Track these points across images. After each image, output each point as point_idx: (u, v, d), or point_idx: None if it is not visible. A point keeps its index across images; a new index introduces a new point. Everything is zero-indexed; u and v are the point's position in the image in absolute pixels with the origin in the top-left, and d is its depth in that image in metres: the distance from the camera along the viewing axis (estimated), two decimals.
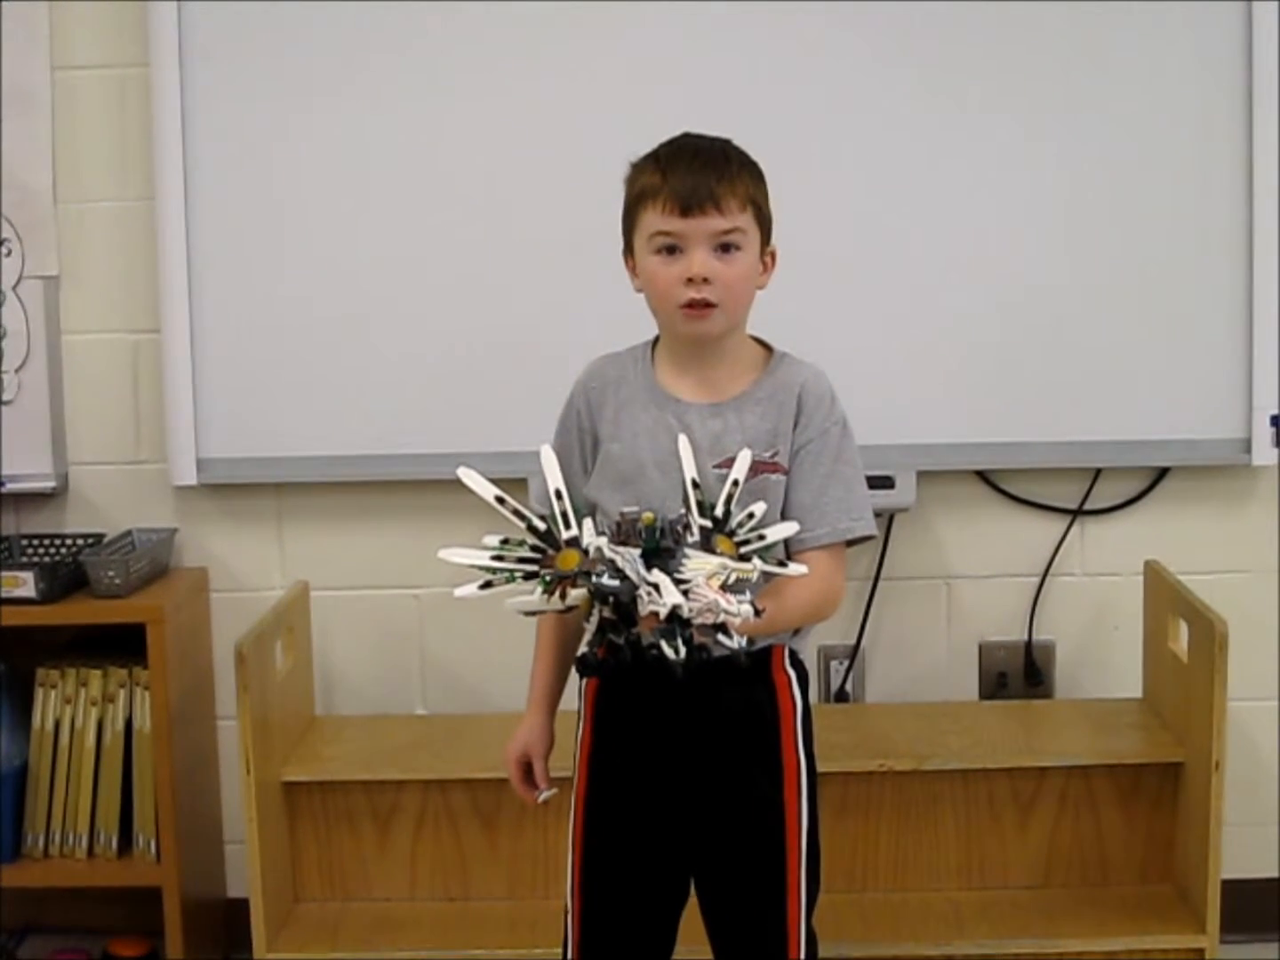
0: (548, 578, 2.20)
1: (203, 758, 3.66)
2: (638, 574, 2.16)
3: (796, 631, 2.59)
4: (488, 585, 2.21)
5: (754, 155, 2.53)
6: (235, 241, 3.54)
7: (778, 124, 3.37)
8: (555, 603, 2.19)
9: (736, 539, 2.26)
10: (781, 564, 2.31)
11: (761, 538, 2.27)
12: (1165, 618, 3.42)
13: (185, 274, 3.52)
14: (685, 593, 2.14)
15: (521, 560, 2.22)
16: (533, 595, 2.20)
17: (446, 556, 2.24)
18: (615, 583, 2.15)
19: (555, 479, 2.29)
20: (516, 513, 2.26)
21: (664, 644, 2.13)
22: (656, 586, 2.14)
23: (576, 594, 2.18)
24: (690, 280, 2.44)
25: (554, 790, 2.67)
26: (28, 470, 3.62)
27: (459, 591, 2.20)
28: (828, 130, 3.48)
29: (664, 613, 2.12)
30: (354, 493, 3.64)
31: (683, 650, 2.13)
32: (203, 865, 3.63)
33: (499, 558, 2.22)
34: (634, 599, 2.15)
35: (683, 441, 2.37)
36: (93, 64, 3.57)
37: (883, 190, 3.49)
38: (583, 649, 2.29)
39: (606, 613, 2.18)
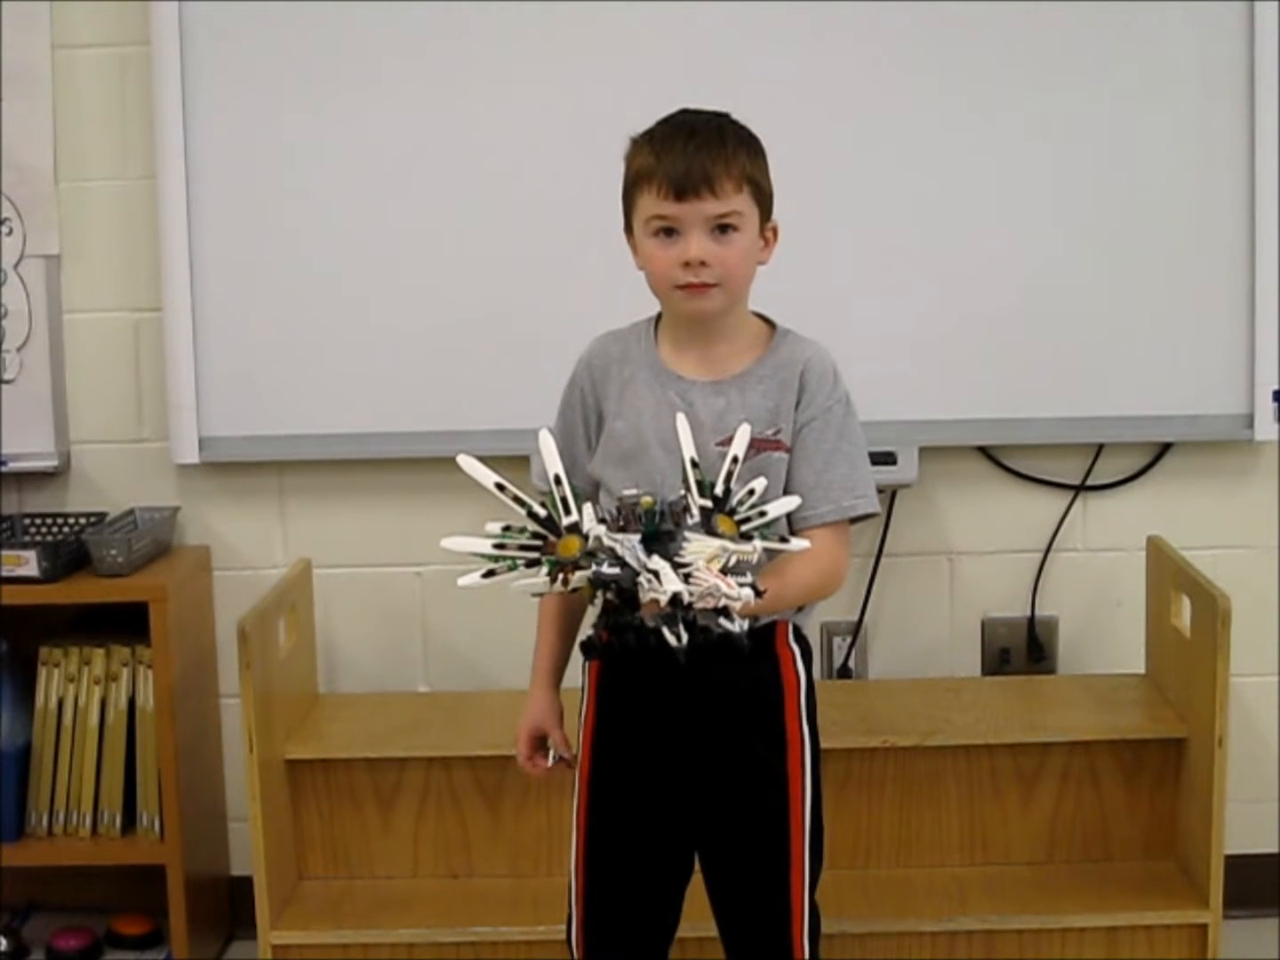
0: (549, 565, 2.20)
1: (206, 736, 3.66)
2: (637, 560, 2.15)
3: (800, 608, 2.59)
4: (491, 574, 2.21)
5: (756, 130, 2.52)
6: (236, 220, 3.53)
7: (780, 100, 3.37)
8: (559, 586, 2.20)
9: (737, 517, 2.25)
10: (783, 539, 2.31)
11: (762, 514, 2.26)
12: (1168, 593, 3.42)
13: (186, 253, 3.52)
14: (686, 577, 2.13)
15: (523, 547, 2.22)
16: (537, 579, 2.21)
17: (449, 546, 2.24)
18: (615, 571, 2.15)
19: (554, 464, 2.28)
20: (517, 499, 2.25)
21: (665, 630, 2.13)
22: (656, 573, 2.14)
23: (580, 577, 2.18)
24: (687, 264, 2.44)
25: (559, 750, 2.68)
26: (30, 449, 3.62)
27: (462, 581, 2.20)
28: (831, 109, 3.47)
29: (664, 600, 2.12)
30: (356, 470, 3.64)
31: (684, 636, 2.12)
32: (206, 843, 3.64)
33: (501, 545, 2.22)
34: (635, 586, 2.15)
35: (680, 421, 2.36)
36: (93, 43, 3.56)
37: (885, 167, 3.49)
38: (587, 633, 2.29)
39: (610, 596, 2.18)
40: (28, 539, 3.58)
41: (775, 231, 2.55)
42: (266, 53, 3.49)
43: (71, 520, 3.62)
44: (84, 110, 3.58)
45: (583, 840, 2.63)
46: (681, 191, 2.42)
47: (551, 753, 2.69)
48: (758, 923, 2.58)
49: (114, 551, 3.43)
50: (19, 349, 3.59)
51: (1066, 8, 3.45)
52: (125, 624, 3.47)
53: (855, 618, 3.69)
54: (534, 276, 3.51)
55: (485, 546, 2.22)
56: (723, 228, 2.45)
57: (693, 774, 2.55)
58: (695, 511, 2.23)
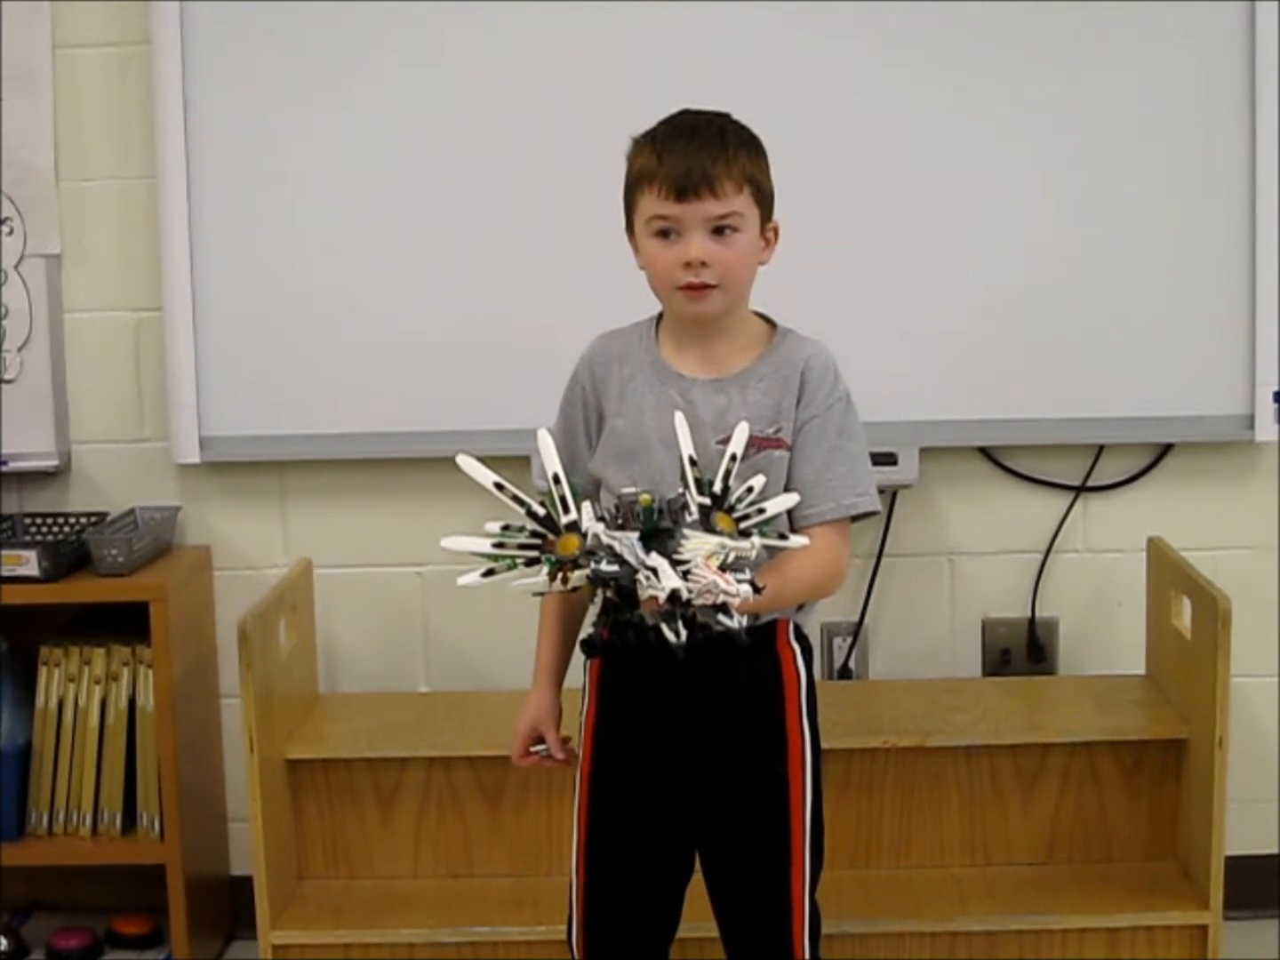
0: (548, 563, 2.20)
1: (206, 736, 3.66)
2: (636, 558, 2.16)
3: (801, 606, 2.59)
4: (490, 573, 2.21)
5: (757, 130, 2.52)
6: (237, 219, 3.53)
7: (781, 100, 3.37)
8: (558, 585, 2.20)
9: (736, 514, 2.25)
10: (782, 536, 2.31)
11: (761, 511, 2.26)
12: (1168, 594, 3.42)
13: (187, 252, 3.52)
14: (684, 574, 2.14)
15: (522, 546, 2.22)
16: (537, 577, 2.21)
17: (449, 546, 2.24)
18: (614, 568, 2.15)
19: (553, 463, 2.28)
20: (516, 499, 2.25)
21: (664, 627, 2.13)
22: (655, 570, 2.14)
23: (579, 575, 2.19)
24: (688, 264, 2.45)
25: (554, 753, 2.68)
26: (30, 449, 3.62)
27: (462, 580, 2.20)
28: (831, 109, 3.47)
29: (663, 597, 2.12)
30: (357, 470, 3.64)
31: (683, 633, 2.13)
32: (206, 843, 3.64)
33: (500, 544, 2.22)
34: (634, 583, 2.15)
35: (679, 419, 2.36)
36: (94, 42, 3.56)
37: (885, 168, 3.49)
38: (587, 631, 2.29)
39: (609, 594, 2.18)
40: (28, 538, 3.58)
41: (776, 232, 2.55)
42: (267, 52, 3.49)
43: (72, 520, 3.62)
44: (85, 110, 3.58)
45: (584, 839, 2.63)
46: (682, 192, 2.43)
47: (542, 748, 2.69)
48: (758, 922, 2.58)
49: (114, 551, 3.43)
50: (20, 349, 3.59)
51: (1066, 8, 3.45)
52: (126, 624, 3.47)
53: (856, 618, 3.69)
54: (535, 277, 3.51)
55: (485, 546, 2.22)
56: (723, 228, 2.45)
57: (694, 772, 2.55)
58: (694, 509, 2.23)
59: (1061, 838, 3.43)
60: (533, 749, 2.69)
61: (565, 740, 2.69)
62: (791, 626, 2.58)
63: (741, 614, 2.17)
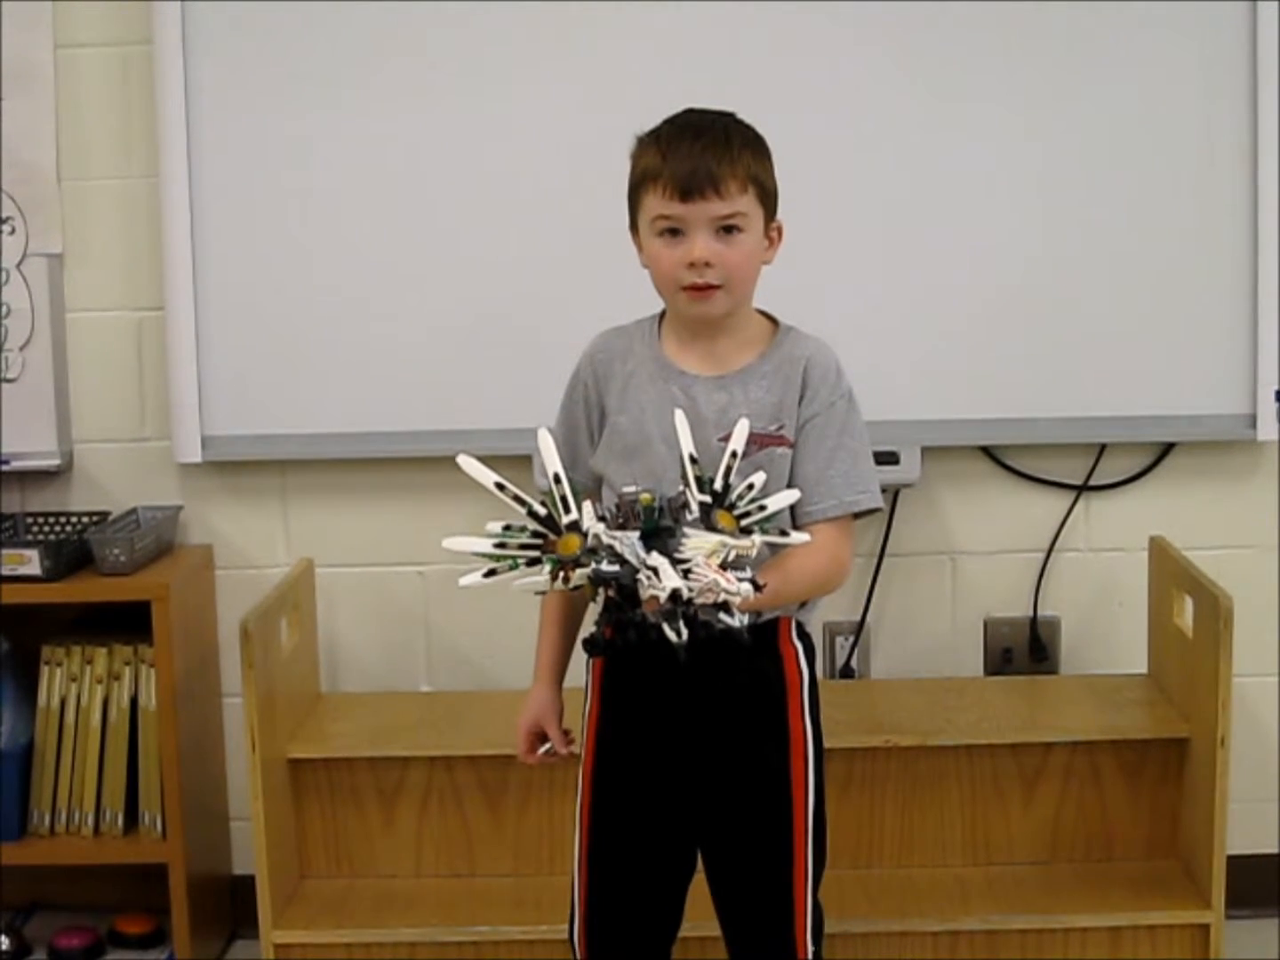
0: (550, 563, 2.20)
1: (208, 735, 3.66)
2: (637, 557, 2.16)
3: (803, 604, 2.59)
4: (492, 573, 2.21)
5: (758, 129, 2.52)
6: (239, 219, 3.53)
7: (781, 99, 3.36)
8: (560, 584, 2.20)
9: (737, 512, 2.25)
10: (783, 533, 2.31)
11: (762, 509, 2.26)
12: (1170, 593, 3.42)
13: (189, 251, 3.52)
14: (685, 573, 2.14)
15: (524, 546, 2.22)
16: (538, 577, 2.21)
17: (450, 546, 2.24)
18: (615, 568, 2.16)
19: (553, 463, 2.28)
20: (517, 499, 2.25)
21: (666, 626, 2.13)
22: (656, 570, 2.14)
23: (580, 574, 2.19)
24: (693, 264, 2.45)
25: (557, 748, 2.68)
26: (32, 448, 3.62)
27: (464, 581, 2.20)
28: (833, 108, 3.47)
29: (664, 596, 2.13)
30: (359, 470, 3.64)
31: (684, 632, 2.13)
32: (209, 842, 3.64)
33: (502, 545, 2.22)
34: (635, 583, 2.15)
35: (679, 417, 2.36)
36: (96, 42, 3.56)
37: (887, 166, 3.49)
38: (589, 630, 2.29)
39: (611, 593, 2.18)
40: (30, 538, 3.58)
41: (780, 231, 2.55)
42: (269, 52, 3.49)
43: (74, 519, 3.62)
44: (87, 109, 3.58)
45: (586, 837, 2.63)
46: (687, 192, 2.43)
47: (547, 745, 2.69)
48: (761, 920, 2.58)
49: (116, 550, 3.43)
50: (22, 348, 3.59)
51: (1066, 8, 3.45)
52: (127, 623, 3.47)
53: (858, 617, 3.69)
54: (535, 276, 3.51)
55: (486, 546, 2.22)
56: (728, 228, 2.45)
57: (696, 770, 2.55)
58: (694, 507, 2.23)
59: (1063, 837, 3.43)
60: (541, 749, 2.69)
61: (566, 732, 2.69)
62: (794, 625, 2.58)
63: (743, 612, 2.17)
